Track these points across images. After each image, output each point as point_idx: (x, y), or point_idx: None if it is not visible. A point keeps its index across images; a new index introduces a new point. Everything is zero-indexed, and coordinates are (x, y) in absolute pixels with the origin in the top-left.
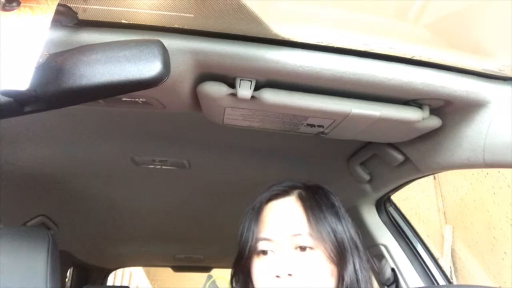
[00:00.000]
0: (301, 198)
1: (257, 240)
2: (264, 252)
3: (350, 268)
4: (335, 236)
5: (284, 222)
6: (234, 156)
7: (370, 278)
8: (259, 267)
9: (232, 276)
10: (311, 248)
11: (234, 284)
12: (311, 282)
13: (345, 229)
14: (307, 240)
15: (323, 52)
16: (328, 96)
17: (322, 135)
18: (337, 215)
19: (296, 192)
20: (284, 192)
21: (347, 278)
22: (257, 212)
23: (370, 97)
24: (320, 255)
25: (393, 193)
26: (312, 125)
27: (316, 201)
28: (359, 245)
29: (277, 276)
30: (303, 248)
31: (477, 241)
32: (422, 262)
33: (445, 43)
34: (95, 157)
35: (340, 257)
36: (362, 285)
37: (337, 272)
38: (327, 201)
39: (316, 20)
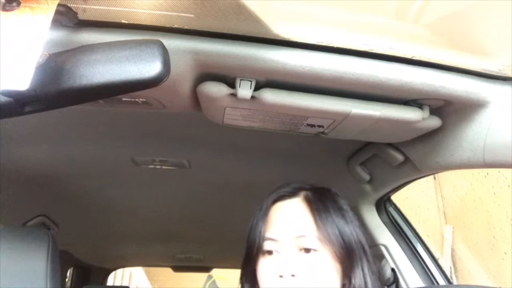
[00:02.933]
0: (308, 200)
1: (263, 239)
2: (269, 252)
3: (358, 271)
4: (342, 238)
5: (289, 223)
6: (234, 156)
7: (377, 281)
8: (263, 267)
9: (242, 275)
10: (315, 250)
11: (243, 283)
12: (314, 282)
13: (353, 232)
14: (312, 242)
15: (323, 52)
16: (328, 96)
17: (322, 135)
18: (344, 217)
19: (303, 194)
20: (291, 194)
21: (354, 281)
22: (264, 213)
23: (370, 97)
24: (326, 256)
25: (393, 193)
26: (312, 125)
27: (323, 203)
28: (367, 248)
29: (281, 276)
30: (307, 250)
31: (477, 241)
32: (422, 262)
33: (445, 43)
34: (95, 157)
35: (347, 259)
36: None
37: (344, 274)
38: (334, 203)
39: (316, 20)
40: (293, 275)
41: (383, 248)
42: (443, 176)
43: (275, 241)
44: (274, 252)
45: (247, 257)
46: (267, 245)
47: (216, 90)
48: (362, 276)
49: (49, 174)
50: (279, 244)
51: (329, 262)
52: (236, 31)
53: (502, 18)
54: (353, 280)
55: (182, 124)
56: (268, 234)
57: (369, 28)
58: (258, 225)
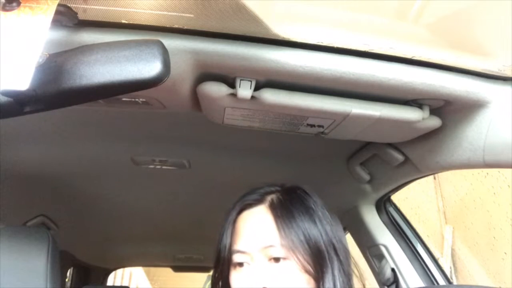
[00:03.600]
0: (272, 207)
1: (232, 252)
2: (240, 264)
3: (328, 276)
4: (308, 243)
5: (256, 234)
6: (234, 156)
7: (350, 281)
8: (235, 280)
9: (213, 285)
10: (284, 258)
11: None
12: None
13: (321, 233)
14: (280, 251)
15: (323, 52)
16: (328, 96)
17: (322, 135)
18: (311, 218)
19: (268, 200)
20: (257, 201)
21: (323, 286)
22: (231, 223)
23: (370, 97)
24: (295, 265)
25: (393, 193)
26: (312, 125)
27: (287, 208)
28: (339, 246)
29: None
30: (276, 259)
31: (477, 241)
32: (422, 262)
33: (445, 43)
34: (95, 157)
35: (316, 265)
36: None
37: (314, 281)
38: (301, 205)
39: (316, 20)
40: None
41: (383, 248)
42: (443, 176)
43: (244, 253)
44: (245, 264)
45: (218, 270)
46: (236, 258)
47: (216, 90)
48: (331, 280)
49: (49, 174)
50: (248, 256)
51: (298, 270)
52: (236, 31)
53: (502, 18)
54: (321, 286)
55: (182, 124)
56: (237, 246)
57: (369, 28)
58: (226, 237)
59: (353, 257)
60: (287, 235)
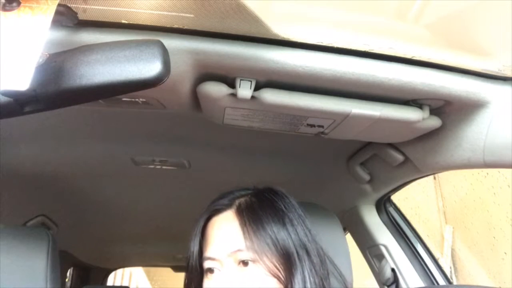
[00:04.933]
0: (239, 211)
1: (203, 259)
2: (211, 271)
3: (297, 277)
4: (275, 246)
5: (223, 240)
6: (234, 156)
7: (325, 281)
8: (207, 286)
9: None
10: (253, 261)
11: None
12: None
13: (291, 235)
14: (247, 255)
15: (323, 52)
16: (328, 96)
17: (322, 135)
18: (280, 221)
19: (236, 204)
20: (225, 206)
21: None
22: (200, 230)
23: (370, 97)
24: (261, 269)
25: (393, 193)
26: (312, 125)
27: (255, 211)
28: (311, 247)
29: None
30: (245, 263)
31: (477, 241)
32: (422, 262)
33: (445, 43)
34: (95, 157)
35: (285, 267)
36: None
37: (283, 283)
38: (270, 208)
39: (316, 20)
40: None
41: (383, 248)
42: (443, 176)
43: (214, 259)
44: (215, 270)
45: (189, 277)
46: (207, 264)
47: (216, 90)
48: (301, 281)
49: (49, 174)
50: (218, 262)
51: (266, 274)
52: (236, 31)
53: (502, 18)
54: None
55: (182, 124)
56: (207, 253)
57: (369, 28)
58: (194, 245)
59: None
60: (253, 239)
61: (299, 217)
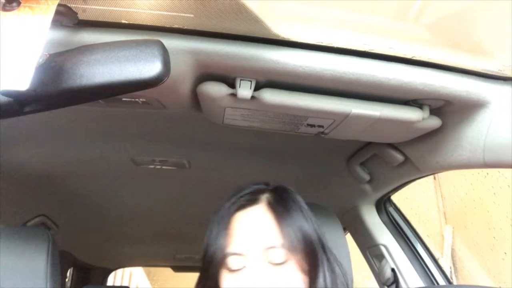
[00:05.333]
0: (270, 206)
1: (227, 255)
2: (237, 268)
3: (321, 276)
4: (305, 242)
5: (256, 235)
6: (234, 156)
7: (337, 279)
8: (230, 284)
9: None
10: (284, 261)
11: None
12: None
13: (313, 231)
14: (281, 253)
15: (323, 52)
16: (328, 96)
17: (322, 135)
18: (304, 217)
19: (264, 199)
20: (252, 201)
21: (316, 286)
22: (225, 225)
23: (370, 97)
24: (293, 268)
25: (393, 193)
26: (312, 125)
27: (285, 207)
28: (326, 244)
29: None
30: (278, 261)
31: (477, 241)
32: (422, 262)
33: (445, 43)
34: (95, 157)
35: (312, 265)
36: None
37: (309, 280)
38: (294, 203)
39: (316, 20)
40: None
41: (383, 248)
42: (443, 176)
43: (242, 255)
44: (242, 268)
45: (206, 274)
46: (232, 260)
47: (216, 90)
48: (323, 278)
49: (49, 174)
50: (246, 259)
51: (296, 272)
52: (236, 31)
53: (502, 18)
54: (314, 285)
55: (182, 124)
56: (233, 248)
57: (369, 28)
58: (219, 239)
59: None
60: (288, 234)
61: (312, 215)
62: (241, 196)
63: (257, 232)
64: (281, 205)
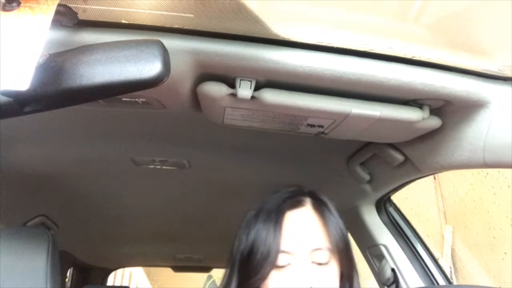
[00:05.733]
0: (316, 209)
1: (277, 252)
2: (283, 265)
3: (356, 276)
4: (345, 246)
5: (304, 235)
6: (234, 156)
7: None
8: (276, 280)
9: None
10: (327, 262)
11: None
12: None
13: (346, 234)
14: (325, 255)
15: (323, 52)
16: (328, 96)
17: (322, 135)
18: (338, 221)
19: (308, 201)
20: (299, 202)
21: (352, 286)
22: (276, 224)
23: (370, 97)
24: (334, 268)
25: (393, 193)
26: (312, 125)
27: (328, 210)
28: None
29: None
30: (320, 263)
31: (477, 241)
32: (422, 262)
33: (445, 43)
34: (95, 157)
35: (349, 266)
36: None
37: (346, 281)
38: (331, 207)
39: (316, 20)
40: None
41: (383, 248)
42: (443, 176)
43: (290, 254)
44: (287, 265)
45: (253, 270)
46: (281, 258)
47: (216, 90)
48: (357, 281)
49: (49, 174)
50: (293, 257)
51: (337, 273)
52: (236, 31)
53: (502, 18)
54: (349, 286)
55: (182, 124)
56: (283, 247)
57: (369, 28)
58: (270, 237)
59: None
60: (333, 237)
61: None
62: (288, 197)
63: (306, 233)
64: (324, 208)
